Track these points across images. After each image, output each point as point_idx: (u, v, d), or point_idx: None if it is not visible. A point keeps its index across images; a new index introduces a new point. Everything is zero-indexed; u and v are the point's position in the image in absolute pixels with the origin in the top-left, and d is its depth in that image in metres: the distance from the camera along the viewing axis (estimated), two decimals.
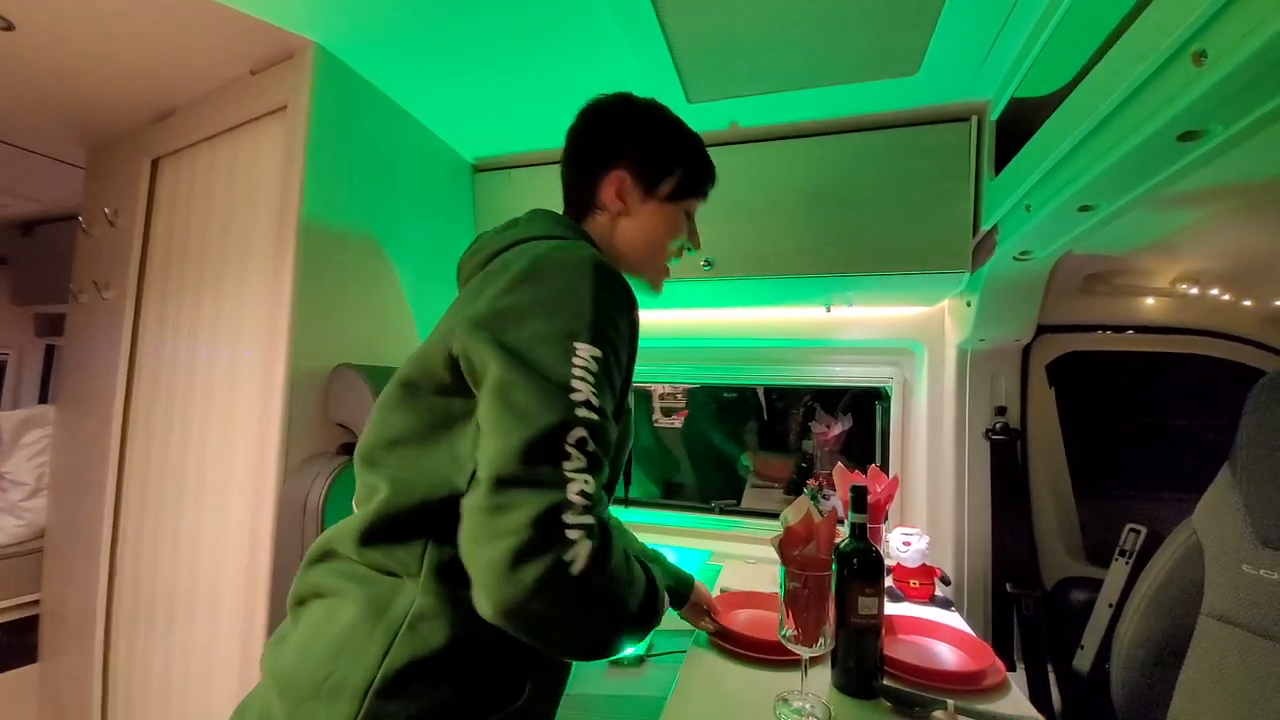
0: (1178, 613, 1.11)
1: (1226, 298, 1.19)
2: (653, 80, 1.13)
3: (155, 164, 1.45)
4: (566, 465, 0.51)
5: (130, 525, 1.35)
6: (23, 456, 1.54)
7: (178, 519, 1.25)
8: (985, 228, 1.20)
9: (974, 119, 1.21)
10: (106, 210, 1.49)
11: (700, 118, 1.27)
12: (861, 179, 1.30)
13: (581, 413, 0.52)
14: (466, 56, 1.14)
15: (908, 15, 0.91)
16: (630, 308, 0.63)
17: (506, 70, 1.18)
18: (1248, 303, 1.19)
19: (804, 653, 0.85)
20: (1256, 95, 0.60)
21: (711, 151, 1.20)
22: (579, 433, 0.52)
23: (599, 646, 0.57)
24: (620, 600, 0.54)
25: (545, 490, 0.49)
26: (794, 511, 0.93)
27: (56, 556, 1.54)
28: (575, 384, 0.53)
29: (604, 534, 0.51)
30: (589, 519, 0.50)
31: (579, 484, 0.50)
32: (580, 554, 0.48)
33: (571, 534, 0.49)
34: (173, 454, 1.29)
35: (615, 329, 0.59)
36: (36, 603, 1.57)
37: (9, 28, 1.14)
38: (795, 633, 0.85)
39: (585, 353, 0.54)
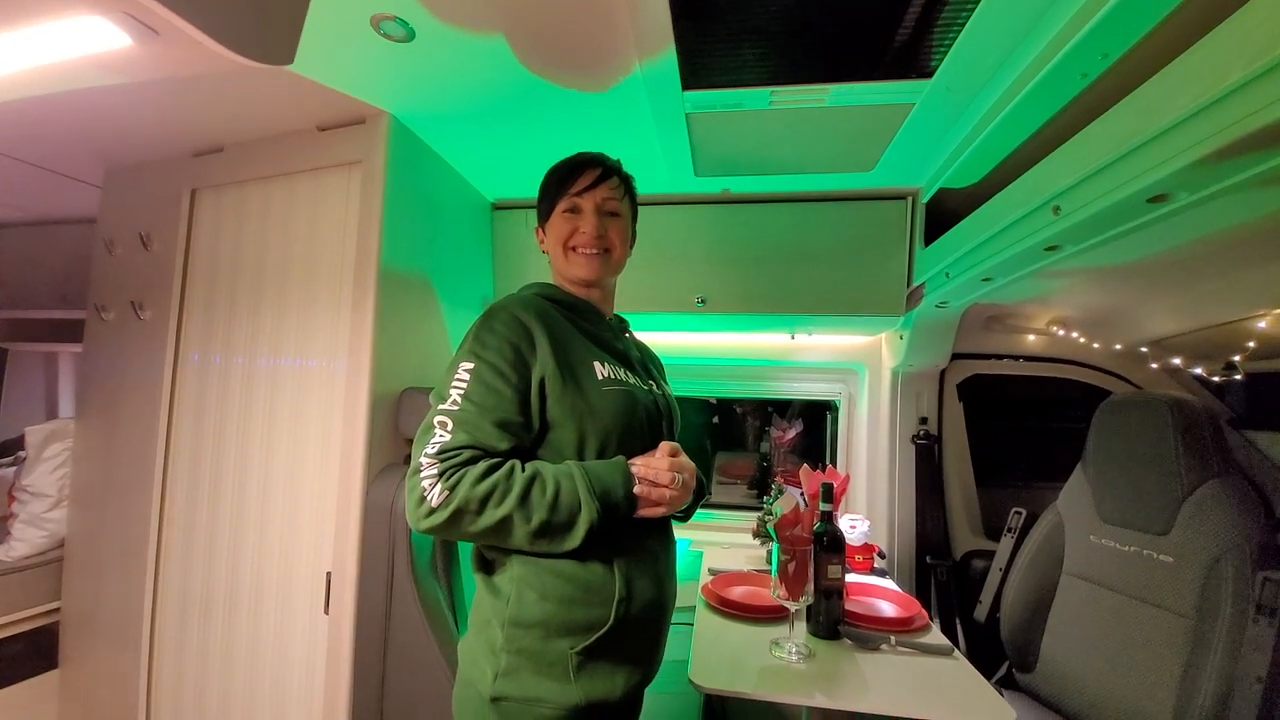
0: (1046, 573, 1.51)
1: (1083, 340, 1.61)
2: (671, 161, 1.40)
3: (193, 193, 1.56)
4: (428, 439, 0.78)
5: (178, 529, 1.46)
6: (45, 469, 1.58)
7: (240, 521, 1.39)
8: (916, 283, 1.56)
9: (909, 199, 1.57)
10: (142, 233, 1.57)
11: (700, 185, 1.56)
12: (824, 239, 1.63)
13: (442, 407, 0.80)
14: (513, 124, 1.33)
15: (870, 136, 1.23)
16: (503, 324, 0.84)
17: (543, 136, 1.39)
18: (1096, 345, 1.61)
19: (792, 607, 1.15)
20: (1093, 233, 0.95)
21: (707, 210, 1.44)
22: (439, 418, 0.79)
23: (496, 536, 0.77)
24: (478, 514, 0.75)
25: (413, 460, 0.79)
26: (784, 504, 1.23)
27: (79, 565, 1.61)
28: (450, 391, 0.80)
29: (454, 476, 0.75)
30: (433, 472, 0.75)
31: (430, 450, 0.77)
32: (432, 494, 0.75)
33: (425, 482, 0.75)
34: (228, 463, 1.42)
35: (483, 344, 0.83)
36: (56, 610, 1.62)
37: None
38: (785, 593, 1.15)
39: (462, 368, 0.81)
